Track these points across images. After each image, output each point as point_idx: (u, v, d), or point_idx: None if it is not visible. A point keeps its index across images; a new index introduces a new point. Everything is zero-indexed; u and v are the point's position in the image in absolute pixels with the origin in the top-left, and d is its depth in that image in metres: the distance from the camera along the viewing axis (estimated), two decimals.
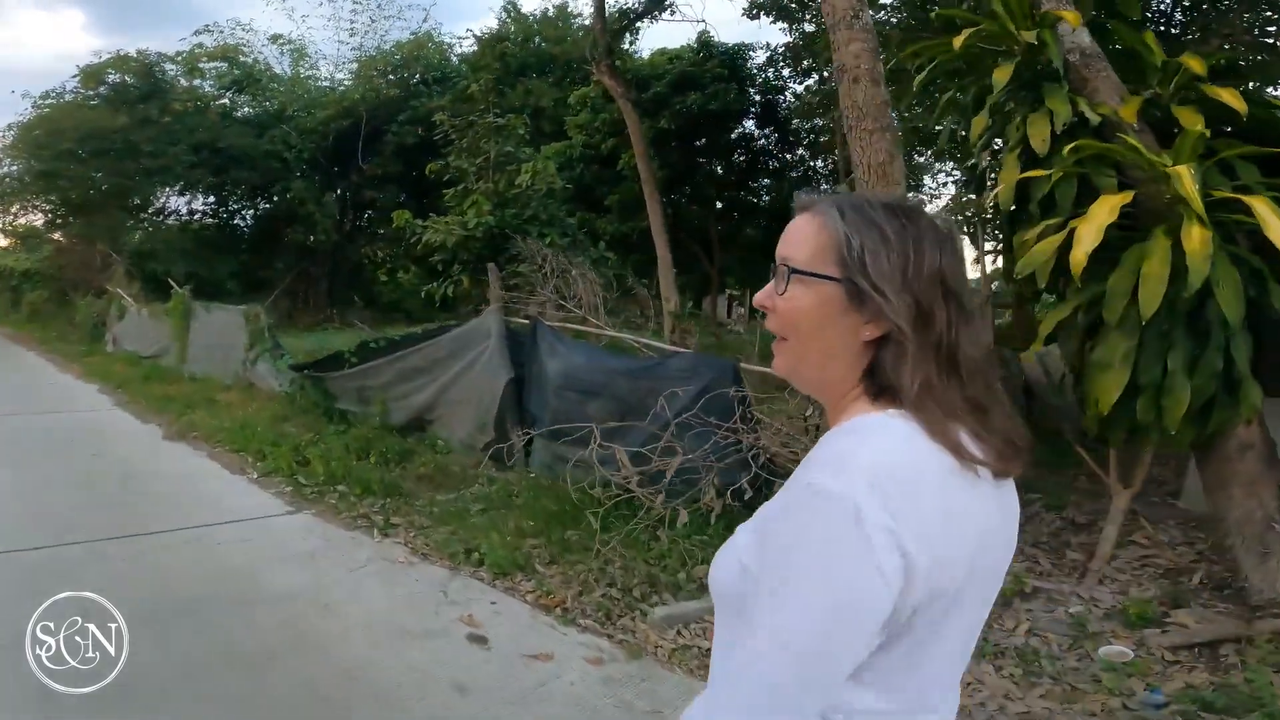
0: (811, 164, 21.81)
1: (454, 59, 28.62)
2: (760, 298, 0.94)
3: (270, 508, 5.26)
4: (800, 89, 19.19)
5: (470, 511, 5.51)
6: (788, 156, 20.69)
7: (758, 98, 19.43)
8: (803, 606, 0.76)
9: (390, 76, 26.35)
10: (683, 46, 18.88)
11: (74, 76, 21.34)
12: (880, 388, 0.88)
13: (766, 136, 20.26)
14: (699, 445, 5.27)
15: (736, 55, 18.42)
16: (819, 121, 20.58)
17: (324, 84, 27.56)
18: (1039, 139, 3.87)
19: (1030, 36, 3.99)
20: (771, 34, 32.64)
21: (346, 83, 27.85)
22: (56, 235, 24.76)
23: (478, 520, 5.21)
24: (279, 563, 4.25)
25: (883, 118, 4.54)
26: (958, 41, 4.09)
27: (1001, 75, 3.96)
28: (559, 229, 12.74)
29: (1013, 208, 4.21)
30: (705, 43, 18.25)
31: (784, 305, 0.91)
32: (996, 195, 4.11)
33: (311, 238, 25.70)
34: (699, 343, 9.62)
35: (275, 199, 25.42)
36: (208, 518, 4.88)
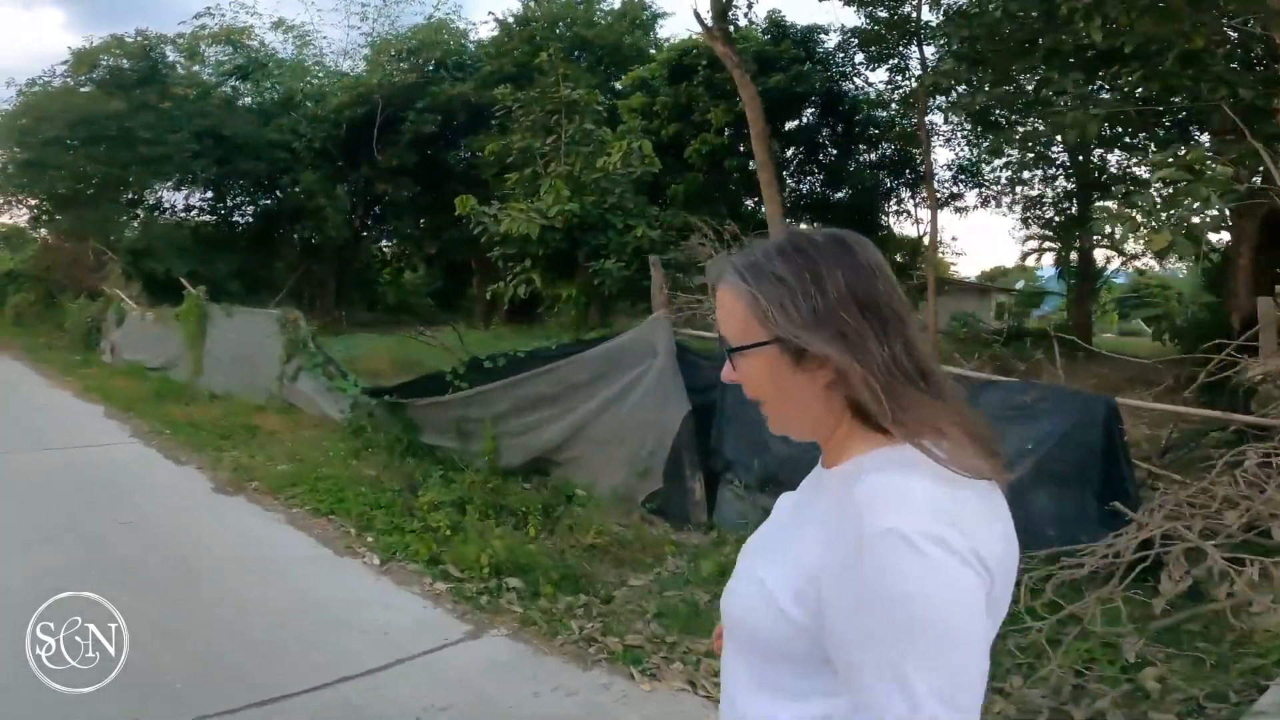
0: (868, 156, 20.08)
1: (470, 45, 26.78)
2: (725, 375, 0.95)
3: (434, 625, 3.39)
4: (873, 76, 17.58)
5: (702, 607, 3.70)
6: (852, 147, 18.93)
7: (817, 85, 17.72)
8: (946, 647, 0.76)
9: (403, 64, 24.41)
10: (746, 27, 17.12)
11: (63, 62, 19.28)
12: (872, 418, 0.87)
13: (830, 127, 18.51)
14: (1048, 511, 3.66)
15: (808, 37, 16.67)
16: (880, 113, 18.95)
17: (333, 71, 25.59)
18: None
19: None
20: (801, 12, 30.99)
21: (356, 71, 25.96)
22: (42, 232, 22.58)
23: None
24: None
25: None
26: None
27: None
28: (645, 220, 10.94)
29: None
30: (776, 23, 16.49)
31: (743, 377, 0.93)
32: None
33: (320, 234, 23.63)
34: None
35: (283, 192, 23.42)
36: (351, 655, 3.02)
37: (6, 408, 9.25)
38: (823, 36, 16.98)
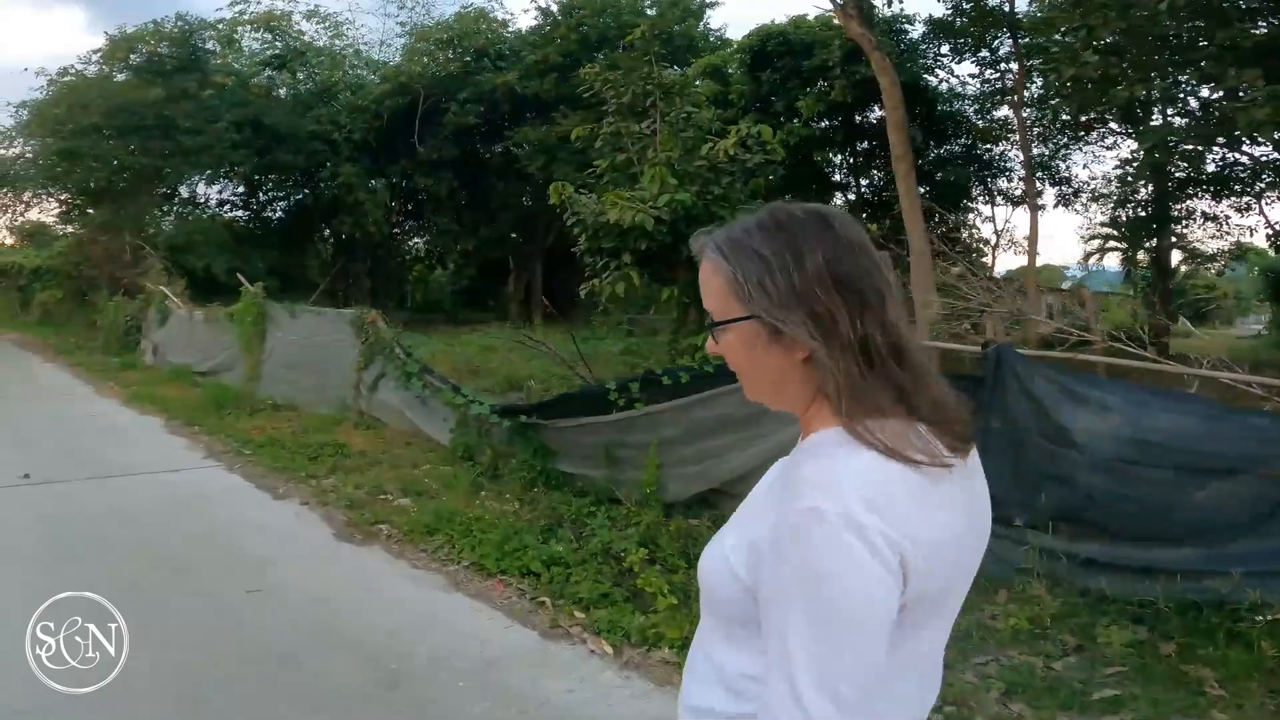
0: (941, 152, 18.85)
1: (507, 35, 25.76)
2: (709, 348, 0.98)
3: None
4: (957, 69, 16.48)
5: (1045, 671, 2.70)
6: (929, 143, 17.75)
7: (903, 77, 16.57)
8: (837, 632, 0.78)
9: (443, 54, 23.41)
10: (818, 19, 15.93)
11: (96, 51, 18.31)
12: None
13: (910, 121, 17.33)
14: None
15: (891, 26, 15.55)
16: (955, 106, 17.81)
17: (372, 60, 24.65)
18: None
19: None
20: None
21: (393, 62, 25.02)
22: (71, 228, 21.66)
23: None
24: None
25: None
26: None
27: None
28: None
29: None
30: (861, 11, 15.35)
31: (724, 350, 0.94)
32: None
33: (359, 230, 22.64)
34: None
35: (322, 185, 22.48)
36: None
37: (56, 421, 8.23)
38: (907, 26, 15.87)
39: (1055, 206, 20.19)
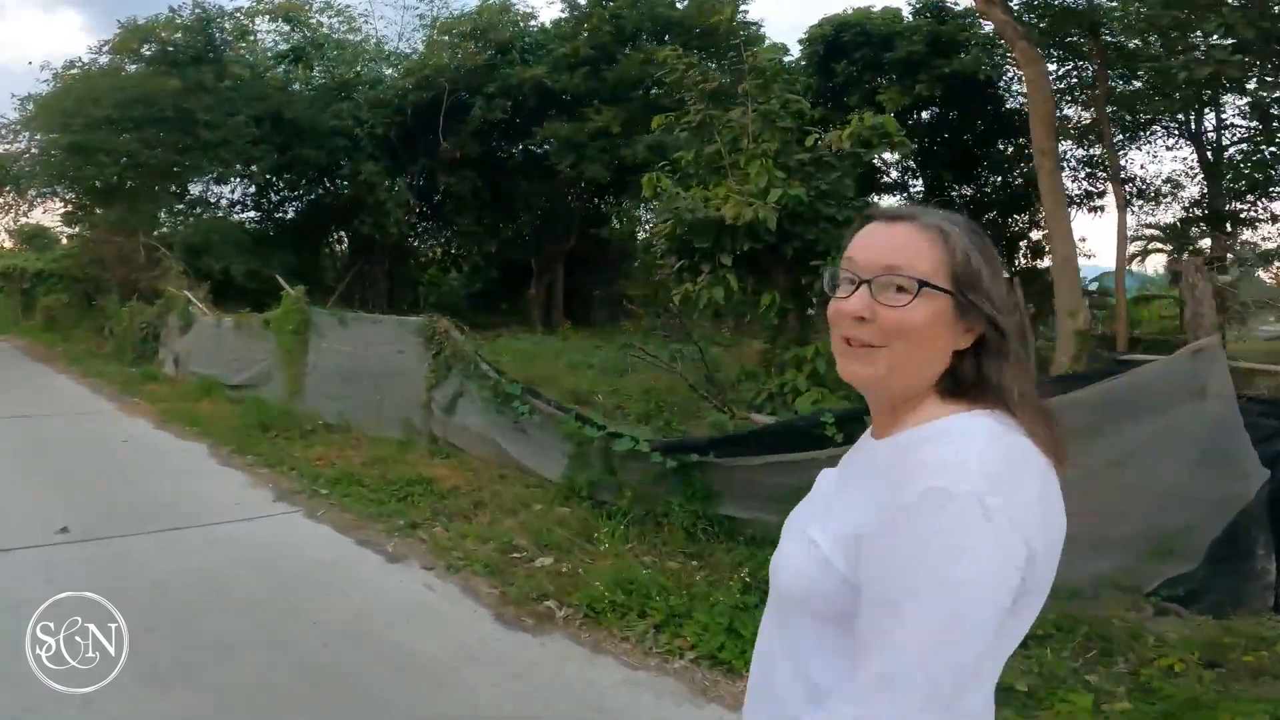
0: (1000, 147, 17.93)
1: (532, 28, 24.75)
2: (859, 308, 0.91)
3: None
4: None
5: None
6: (996, 143, 16.81)
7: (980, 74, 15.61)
8: (952, 607, 0.77)
9: (470, 46, 22.38)
10: (884, 8, 14.91)
11: (106, 42, 17.19)
12: (956, 387, 0.91)
13: (973, 119, 16.40)
14: None
15: (963, 18, 14.60)
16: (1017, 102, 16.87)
17: (394, 53, 23.65)
18: None
19: None
20: None
21: (412, 55, 23.99)
22: (76, 229, 20.53)
23: None
24: None
25: None
26: None
27: None
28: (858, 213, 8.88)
29: None
30: (934, 5, 14.38)
31: (894, 315, 0.89)
32: None
33: (380, 230, 21.55)
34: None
35: (338, 184, 21.43)
36: None
37: (85, 448, 7.14)
38: (981, 21, 14.96)
39: (1125, 208, 19.29)
